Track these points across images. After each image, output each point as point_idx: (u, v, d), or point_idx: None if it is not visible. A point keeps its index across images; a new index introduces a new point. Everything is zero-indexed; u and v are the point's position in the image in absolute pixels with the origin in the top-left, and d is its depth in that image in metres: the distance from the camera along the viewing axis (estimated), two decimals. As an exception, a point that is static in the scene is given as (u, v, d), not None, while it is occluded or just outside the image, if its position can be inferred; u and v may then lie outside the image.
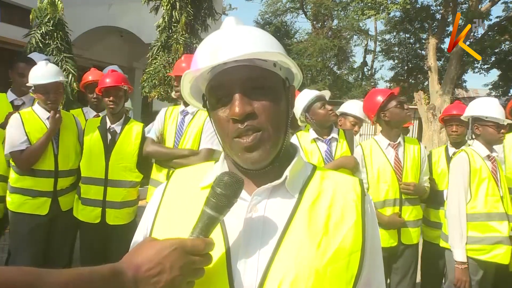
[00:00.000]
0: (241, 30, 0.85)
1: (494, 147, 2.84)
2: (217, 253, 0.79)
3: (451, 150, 3.39)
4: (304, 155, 2.81)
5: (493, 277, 2.72)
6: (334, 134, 2.92)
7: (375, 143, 2.94)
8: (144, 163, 3.15)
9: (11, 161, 2.97)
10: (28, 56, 4.04)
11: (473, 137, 2.82)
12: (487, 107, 2.76)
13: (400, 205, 2.84)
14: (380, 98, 2.87)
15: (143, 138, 3.14)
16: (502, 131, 2.73)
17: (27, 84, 3.08)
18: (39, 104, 3.05)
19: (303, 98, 2.93)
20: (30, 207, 2.94)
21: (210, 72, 0.84)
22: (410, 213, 2.87)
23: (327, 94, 3.00)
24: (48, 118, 3.00)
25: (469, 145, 2.86)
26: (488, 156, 2.73)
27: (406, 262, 2.87)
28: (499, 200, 2.64)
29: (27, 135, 2.93)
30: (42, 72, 2.97)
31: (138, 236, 0.94)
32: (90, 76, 3.99)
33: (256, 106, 0.81)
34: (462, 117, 2.94)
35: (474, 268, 2.64)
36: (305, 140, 2.92)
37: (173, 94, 3.89)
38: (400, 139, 2.91)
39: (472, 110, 2.82)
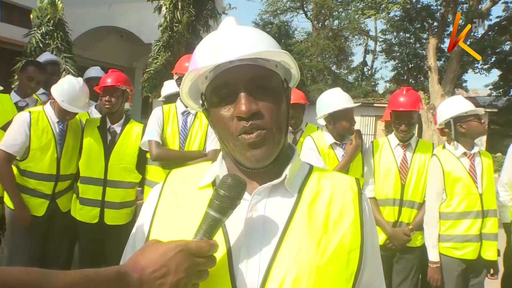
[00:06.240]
0: (244, 30, 0.85)
1: None
2: (218, 253, 0.78)
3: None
4: (321, 157, 2.82)
5: (473, 271, 2.70)
6: (348, 138, 2.94)
7: (386, 142, 2.97)
8: (143, 164, 3.10)
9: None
10: (39, 56, 3.96)
11: (455, 137, 2.75)
12: (461, 104, 2.73)
13: (400, 205, 2.81)
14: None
15: None
16: (483, 121, 2.73)
17: (50, 92, 2.96)
18: (51, 105, 2.97)
19: (338, 101, 2.85)
20: None
21: (212, 71, 0.84)
22: (413, 216, 2.83)
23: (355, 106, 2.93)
24: (58, 122, 2.96)
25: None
26: (465, 154, 2.70)
27: (407, 264, 2.86)
28: (476, 198, 2.63)
29: (28, 138, 2.84)
30: (73, 97, 2.88)
31: (134, 237, 0.94)
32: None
33: (261, 105, 0.81)
34: (438, 126, 2.88)
35: (452, 263, 2.66)
36: (321, 143, 2.90)
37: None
38: (411, 142, 2.91)
39: (447, 112, 2.76)
